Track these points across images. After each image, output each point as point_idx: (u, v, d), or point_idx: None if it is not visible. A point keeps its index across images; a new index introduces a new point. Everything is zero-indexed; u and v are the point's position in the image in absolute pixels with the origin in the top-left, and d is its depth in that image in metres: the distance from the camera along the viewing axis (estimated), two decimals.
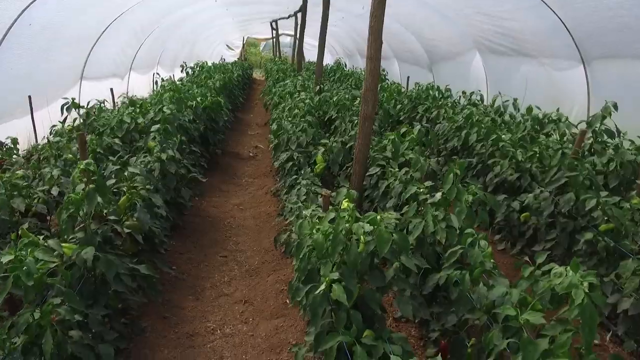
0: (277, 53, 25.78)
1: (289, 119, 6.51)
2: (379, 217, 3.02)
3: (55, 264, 2.87)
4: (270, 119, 9.32)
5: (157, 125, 5.69)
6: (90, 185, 3.27)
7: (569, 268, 2.68)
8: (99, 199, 3.60)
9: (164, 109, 5.94)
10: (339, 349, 2.91)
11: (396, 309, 4.52)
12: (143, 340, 4.01)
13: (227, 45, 29.00)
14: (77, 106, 6.26)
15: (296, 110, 6.70)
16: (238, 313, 4.64)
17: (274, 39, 25.89)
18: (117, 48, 11.81)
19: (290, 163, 5.77)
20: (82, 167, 3.26)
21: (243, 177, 8.94)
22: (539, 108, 6.32)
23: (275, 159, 6.30)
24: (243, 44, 29.47)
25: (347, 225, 2.99)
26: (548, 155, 5.22)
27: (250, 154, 10.51)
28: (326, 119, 7.79)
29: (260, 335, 4.24)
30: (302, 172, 5.40)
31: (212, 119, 8.81)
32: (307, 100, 7.11)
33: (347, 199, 3.22)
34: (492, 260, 3.08)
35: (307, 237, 3.15)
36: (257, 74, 28.26)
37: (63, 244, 3.24)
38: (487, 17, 9.64)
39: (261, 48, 35.50)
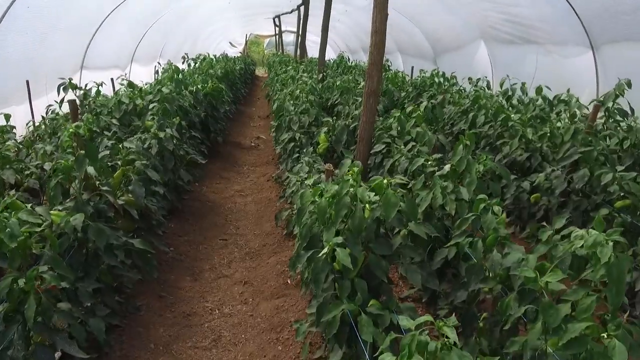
0: (280, 49, 25.64)
1: (291, 101, 6.33)
2: (385, 180, 2.85)
3: (42, 229, 2.70)
4: (272, 111, 9.15)
5: (156, 104, 5.53)
6: (81, 151, 3.10)
7: (590, 231, 2.50)
8: (92, 170, 3.44)
9: (163, 89, 5.78)
10: (343, 320, 2.73)
11: (402, 289, 4.34)
12: (137, 319, 3.84)
13: (230, 43, 28.89)
14: (75, 87, 6.10)
15: (298, 92, 6.52)
16: (237, 294, 4.46)
17: (277, 36, 25.75)
18: (118, 38, 11.67)
19: (292, 144, 5.59)
20: (71, 130, 3.09)
21: (244, 165, 8.77)
22: (549, 88, 6.13)
23: (277, 142, 6.12)
24: (246, 41, 29.35)
25: (351, 189, 2.81)
26: (559, 133, 5.03)
27: (252, 144, 10.35)
28: (329, 104, 7.61)
29: (260, 315, 4.06)
30: (305, 151, 5.22)
31: (213, 106, 8.65)
32: (310, 82, 6.94)
33: (351, 168, 3.04)
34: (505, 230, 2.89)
35: (308, 204, 2.97)
36: (260, 72, 28.15)
37: (51, 212, 3.08)
38: (492, 4, 9.45)
39: (264, 46, 35.36)
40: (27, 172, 4.24)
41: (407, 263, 2.99)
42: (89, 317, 3.16)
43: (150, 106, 5.55)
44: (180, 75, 6.19)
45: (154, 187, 4.78)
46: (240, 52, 28.33)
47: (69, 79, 6.05)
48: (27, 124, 6.47)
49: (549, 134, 5.18)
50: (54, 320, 2.74)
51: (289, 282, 4.48)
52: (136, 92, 6.33)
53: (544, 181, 4.79)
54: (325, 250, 2.60)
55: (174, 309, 4.12)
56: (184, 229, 5.59)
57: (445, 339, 1.82)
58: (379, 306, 2.65)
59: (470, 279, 2.84)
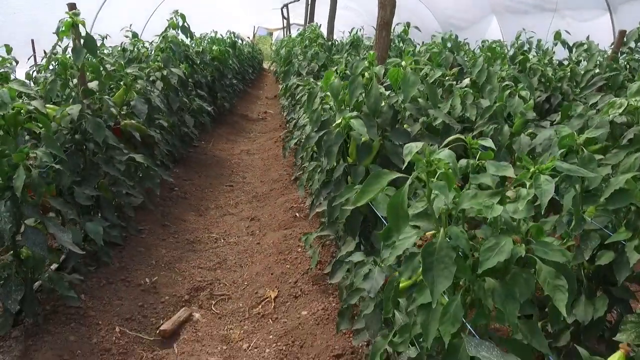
0: None
1: (300, 47, 6.12)
2: (403, 62, 2.64)
3: (35, 107, 2.52)
4: (280, 92, 8.99)
5: (161, 45, 5.36)
6: (77, 41, 2.92)
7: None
8: (94, 85, 3.27)
9: (168, 33, 5.62)
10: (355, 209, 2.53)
11: None
12: (139, 240, 3.65)
13: (239, 36, 28.82)
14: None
15: (307, 42, 6.32)
16: (244, 227, 4.26)
17: (285, 29, 25.64)
18: (126, 12, 11.57)
19: (300, 88, 5.38)
20: (69, 21, 2.91)
21: (251, 132, 8.59)
22: (568, 32, 5.89)
23: (285, 91, 5.91)
24: (254, 34, 29.26)
25: (366, 70, 2.61)
26: (580, 72, 4.80)
27: (260, 117, 10.18)
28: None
29: (267, 243, 3.85)
30: None
31: (220, 72, 8.49)
32: (319, 30, 6.73)
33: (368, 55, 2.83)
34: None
35: (318, 89, 2.78)
36: (267, 66, 28.03)
37: (47, 105, 2.91)
38: None
39: (273, 40, 35.27)
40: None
41: None
42: (86, 221, 2.98)
43: (156, 50, 5.38)
44: (186, 23, 6.02)
45: (157, 118, 4.62)
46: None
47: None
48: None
49: (569, 74, 4.95)
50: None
51: (296, 215, 4.28)
52: (141, 41, 6.17)
53: None
54: (339, 121, 2.39)
55: (177, 236, 3.93)
56: (189, 175, 5.40)
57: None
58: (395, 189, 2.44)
59: None
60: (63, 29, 2.92)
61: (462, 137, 1.60)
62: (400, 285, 1.87)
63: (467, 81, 3.57)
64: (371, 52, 2.75)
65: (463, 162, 1.55)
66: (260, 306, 3.01)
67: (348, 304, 2.23)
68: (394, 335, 1.69)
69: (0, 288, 2.41)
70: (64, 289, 2.55)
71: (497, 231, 1.35)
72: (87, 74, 3.32)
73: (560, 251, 1.28)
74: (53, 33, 2.94)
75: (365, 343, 2.47)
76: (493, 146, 1.51)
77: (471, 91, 3.32)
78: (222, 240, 3.98)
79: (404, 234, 1.55)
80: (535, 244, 1.34)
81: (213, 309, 3.01)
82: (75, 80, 3.18)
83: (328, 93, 2.76)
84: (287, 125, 6.48)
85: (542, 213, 1.33)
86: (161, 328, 2.69)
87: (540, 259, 1.30)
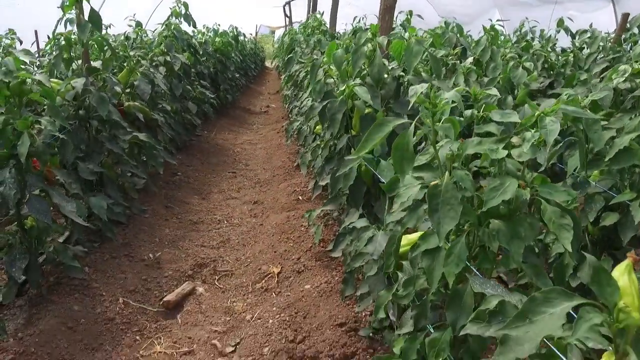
0: None
1: (302, 39, 6.13)
2: (407, 34, 2.64)
3: (39, 80, 2.52)
4: (282, 82, 8.99)
5: (164, 32, 5.37)
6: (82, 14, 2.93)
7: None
8: (98, 64, 3.28)
9: (171, 19, 5.63)
10: (359, 180, 2.53)
11: None
12: (142, 220, 3.65)
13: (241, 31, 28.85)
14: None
15: (309, 30, 6.32)
16: (247, 210, 4.27)
17: (287, 27, 25.64)
18: (131, 3, 11.58)
19: (304, 73, 5.38)
20: None
21: (254, 124, 8.60)
22: (571, 19, 5.88)
23: (287, 79, 5.91)
24: (256, 32, 29.29)
25: (370, 41, 2.61)
26: (583, 57, 4.79)
27: (262, 110, 10.18)
28: None
29: (270, 224, 3.85)
30: None
31: (222, 64, 8.50)
32: (321, 18, 6.73)
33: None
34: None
35: (321, 64, 2.78)
36: (270, 64, 28.03)
37: (52, 79, 2.91)
38: None
39: (275, 39, 35.29)
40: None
41: None
42: (90, 196, 2.99)
43: (158, 37, 5.39)
44: (188, 12, 6.03)
45: (161, 103, 4.63)
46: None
47: None
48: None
49: (572, 59, 4.94)
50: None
51: (299, 198, 4.28)
52: (144, 30, 6.18)
53: None
54: (343, 88, 2.40)
55: (180, 217, 3.94)
56: (192, 162, 5.41)
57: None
58: None
59: None
60: (67, 3, 2.92)
61: (467, 88, 1.60)
62: (401, 249, 1.88)
63: (470, 60, 3.57)
64: (374, 23, 2.76)
65: (468, 112, 1.55)
66: (263, 281, 3.01)
67: (352, 268, 2.22)
68: (397, 290, 1.69)
69: (4, 256, 2.42)
70: (68, 258, 2.56)
71: (502, 173, 1.35)
72: (91, 52, 3.33)
73: (565, 191, 1.28)
74: (57, 7, 2.95)
75: (369, 312, 2.47)
76: (498, 94, 1.51)
77: (474, 68, 3.32)
78: (226, 222, 3.99)
79: (408, 184, 1.55)
80: (540, 186, 1.34)
81: (216, 283, 3.02)
82: (79, 62, 3.19)
83: (332, 67, 2.77)
84: (290, 114, 6.48)
85: (548, 151, 1.33)
86: (165, 299, 2.70)
87: (545, 200, 1.30)
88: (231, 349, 2.39)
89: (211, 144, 6.40)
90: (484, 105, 1.57)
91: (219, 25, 11.73)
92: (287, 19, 27.05)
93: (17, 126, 2.33)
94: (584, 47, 5.71)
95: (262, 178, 5.21)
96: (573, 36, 5.67)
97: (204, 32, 8.24)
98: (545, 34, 7.03)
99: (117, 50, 3.84)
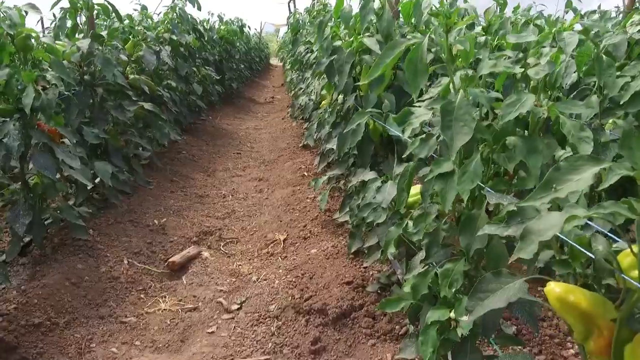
0: None
1: (307, 20, 6.10)
2: None
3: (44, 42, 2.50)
4: (287, 61, 8.97)
5: (169, 14, 5.36)
6: None
7: None
8: (104, 34, 3.26)
9: (176, 1, 5.61)
10: (366, 139, 2.49)
11: None
12: (147, 191, 3.62)
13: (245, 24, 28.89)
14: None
15: (315, 12, 6.29)
16: (252, 186, 4.23)
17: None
18: None
19: (308, 55, 5.35)
20: None
21: (259, 112, 8.58)
22: (580, 0, 5.83)
23: (293, 64, 5.88)
24: (261, 29, 29.34)
25: None
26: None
27: (267, 101, 10.17)
28: None
29: (276, 198, 3.82)
30: None
31: (227, 52, 8.48)
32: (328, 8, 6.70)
33: None
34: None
35: (329, 21, 2.75)
36: (274, 62, 28.06)
37: (57, 41, 2.89)
38: None
39: (279, 36, 35.32)
40: None
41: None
42: (94, 160, 2.96)
43: (164, 21, 5.38)
44: None
45: (167, 84, 4.61)
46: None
47: None
48: None
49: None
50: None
51: (305, 174, 4.24)
52: (149, 14, 6.16)
53: None
54: (351, 39, 2.36)
55: (186, 190, 3.91)
56: (197, 143, 5.38)
57: None
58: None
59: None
60: None
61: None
62: (410, 199, 1.85)
63: (479, 29, 3.52)
64: None
65: (482, 38, 1.51)
66: (269, 247, 2.98)
67: (359, 219, 2.18)
68: (407, 227, 1.65)
69: (8, 212, 2.40)
70: (73, 216, 2.54)
71: (518, 92, 1.31)
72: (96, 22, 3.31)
73: (584, 104, 1.24)
74: None
75: (377, 271, 2.43)
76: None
77: (484, 34, 3.27)
78: (231, 197, 3.95)
79: (419, 114, 1.51)
80: (558, 102, 1.30)
81: (222, 249, 2.99)
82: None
83: (339, 27, 2.73)
84: (295, 96, 6.44)
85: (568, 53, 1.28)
86: (170, 260, 2.67)
87: (563, 115, 1.26)
88: (237, 306, 2.35)
89: (216, 127, 6.38)
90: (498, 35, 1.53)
91: (224, 14, 11.69)
92: (292, 15, 26.95)
93: (22, 78, 2.31)
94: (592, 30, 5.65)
95: (267, 158, 5.18)
96: (582, 16, 5.61)
97: (208, 19, 8.21)
98: (551, 19, 6.96)
99: (122, 26, 3.82)
